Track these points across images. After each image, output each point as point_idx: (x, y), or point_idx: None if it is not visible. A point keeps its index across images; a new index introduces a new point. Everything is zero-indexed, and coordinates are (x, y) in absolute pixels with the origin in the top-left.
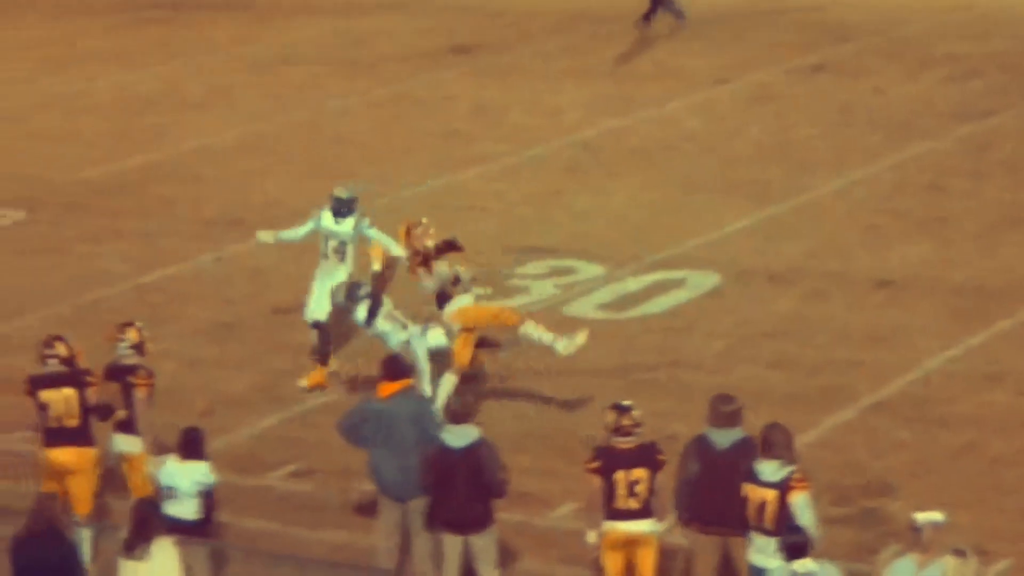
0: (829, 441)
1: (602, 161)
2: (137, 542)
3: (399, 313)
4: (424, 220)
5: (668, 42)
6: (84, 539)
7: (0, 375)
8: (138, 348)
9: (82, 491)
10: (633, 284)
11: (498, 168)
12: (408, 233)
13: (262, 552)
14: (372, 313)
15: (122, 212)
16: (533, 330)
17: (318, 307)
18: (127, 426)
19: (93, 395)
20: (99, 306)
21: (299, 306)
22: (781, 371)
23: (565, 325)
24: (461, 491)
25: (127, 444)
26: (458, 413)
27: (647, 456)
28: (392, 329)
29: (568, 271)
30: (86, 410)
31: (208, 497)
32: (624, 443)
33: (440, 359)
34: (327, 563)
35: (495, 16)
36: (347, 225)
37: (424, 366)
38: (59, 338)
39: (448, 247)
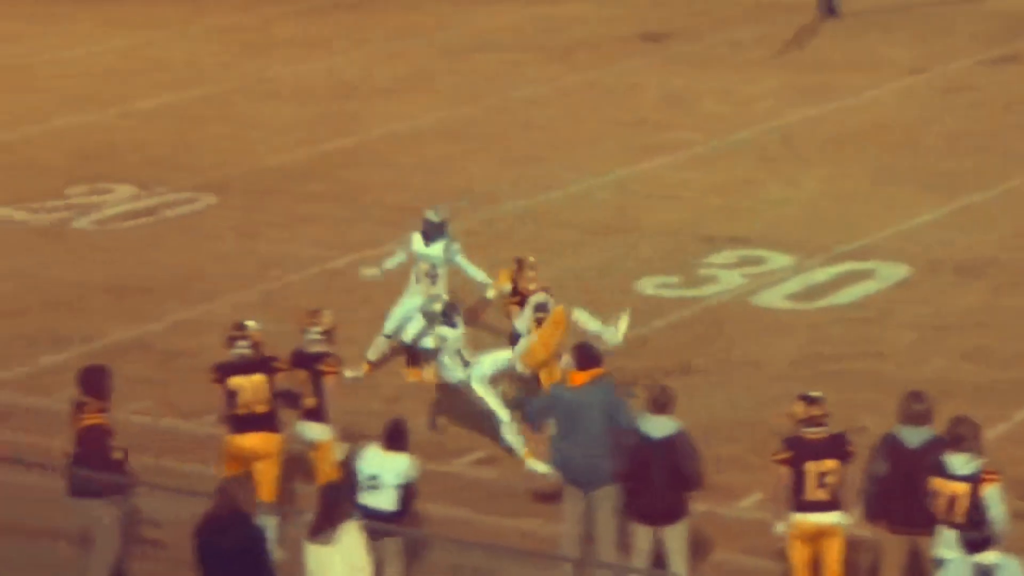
0: (1019, 436)
1: (794, 150)
2: (324, 526)
3: (467, 351)
4: (532, 259)
5: (862, 31)
6: (269, 525)
7: (189, 360)
8: (328, 335)
9: (267, 477)
10: (822, 275)
11: (688, 157)
12: (519, 269)
13: (452, 539)
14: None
15: (313, 197)
16: (585, 319)
17: (393, 322)
18: (315, 414)
19: (282, 381)
20: (288, 291)
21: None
22: (973, 363)
23: (754, 316)
24: (657, 482)
25: (315, 432)
26: (659, 403)
27: (837, 447)
28: (452, 365)
29: (757, 261)
30: (274, 396)
31: (408, 489)
32: (814, 433)
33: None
34: (516, 551)
35: (687, 4)
36: (437, 248)
37: (494, 407)
38: (246, 325)
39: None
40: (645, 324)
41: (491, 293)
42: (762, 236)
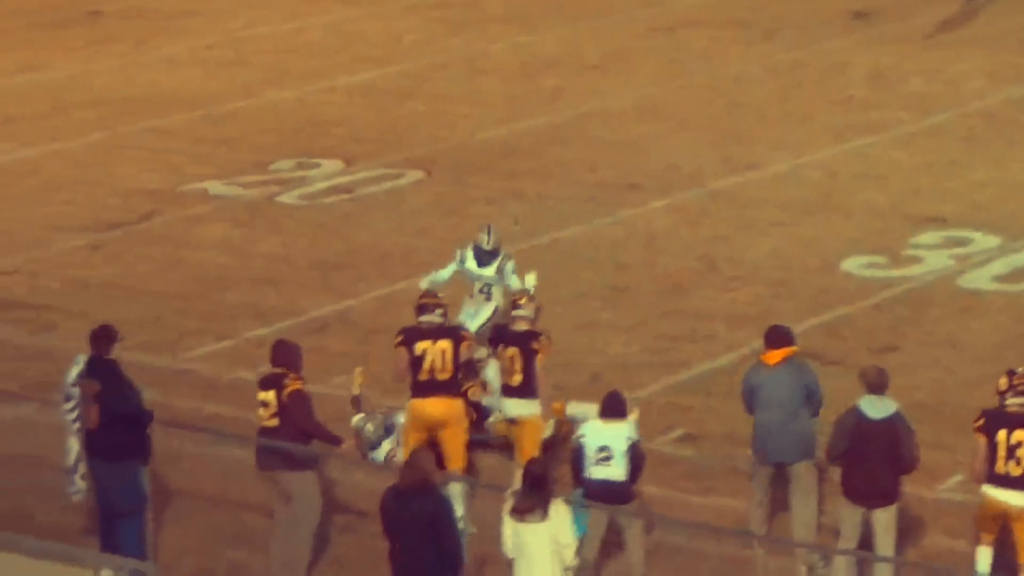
0: None
1: (1002, 131)
2: (533, 505)
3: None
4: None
5: None
6: (457, 495)
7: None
8: (537, 314)
9: (453, 445)
10: None
11: (895, 136)
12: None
13: (653, 516)
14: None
15: (518, 174)
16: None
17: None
18: (521, 390)
19: (466, 351)
20: None
21: (693, 272)
22: None
23: (961, 297)
24: (875, 463)
25: (521, 408)
26: (876, 383)
27: None
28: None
29: (963, 242)
30: (457, 365)
31: (635, 450)
32: (1014, 406)
33: None
34: (712, 528)
35: None
36: (491, 270)
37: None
38: (435, 292)
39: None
40: (851, 304)
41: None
42: (968, 217)
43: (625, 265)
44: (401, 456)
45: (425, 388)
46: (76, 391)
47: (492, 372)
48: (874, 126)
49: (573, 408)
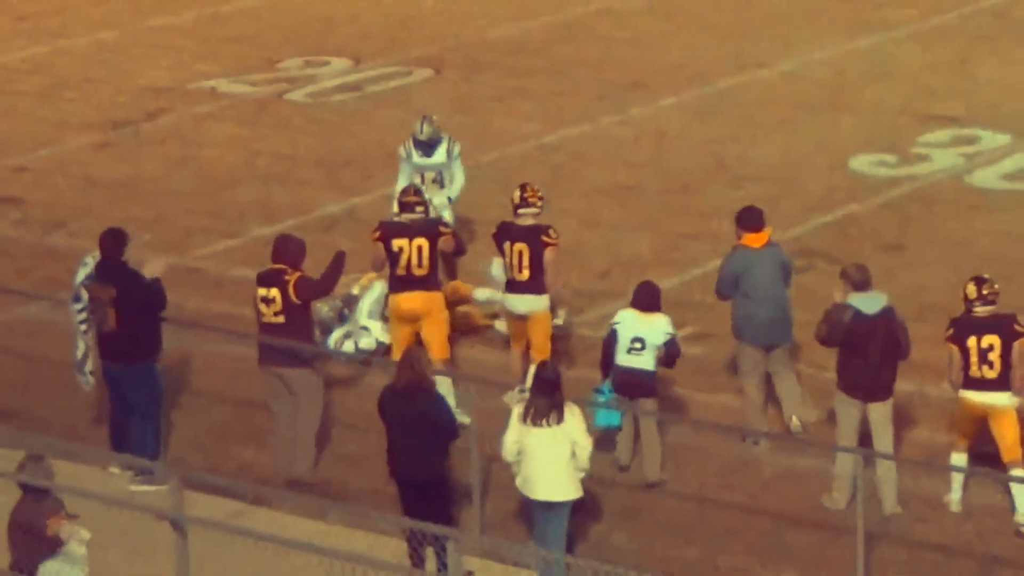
0: None
1: (1012, 28)
2: (549, 409)
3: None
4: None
5: None
6: (446, 386)
7: None
8: (542, 209)
9: (435, 337)
10: None
11: (904, 34)
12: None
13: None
14: None
15: (528, 72)
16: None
17: None
18: (529, 286)
19: (445, 245)
20: (500, 165)
21: (701, 170)
22: None
23: (969, 195)
24: (873, 357)
25: (529, 304)
26: (860, 281)
27: (1003, 326)
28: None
29: (972, 140)
30: (434, 261)
31: (672, 345)
32: (981, 312)
33: None
34: (719, 425)
35: None
36: (439, 156)
37: None
38: (419, 189)
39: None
40: (860, 202)
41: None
42: (978, 115)
43: (633, 164)
44: (349, 346)
45: (403, 283)
46: (84, 293)
47: (496, 269)
48: (883, 24)
49: (481, 293)
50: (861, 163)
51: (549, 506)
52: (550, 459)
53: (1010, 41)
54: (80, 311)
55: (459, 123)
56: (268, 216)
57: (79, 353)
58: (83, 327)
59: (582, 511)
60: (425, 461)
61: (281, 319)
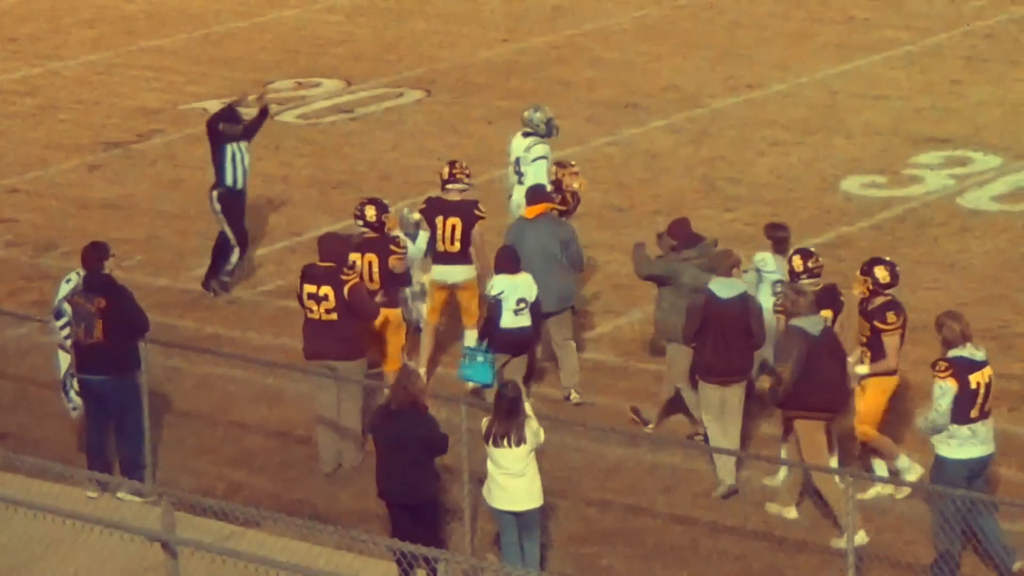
0: None
1: (1003, 50)
2: (508, 431)
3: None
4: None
5: None
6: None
7: None
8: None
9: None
10: None
11: (896, 56)
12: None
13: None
14: None
15: (519, 93)
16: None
17: None
18: (458, 257)
19: (396, 264)
20: (491, 186)
21: (692, 192)
22: None
23: (961, 216)
24: (728, 341)
25: (460, 274)
26: (726, 266)
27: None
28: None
29: (964, 161)
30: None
31: (538, 303)
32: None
33: None
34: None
35: None
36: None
37: None
38: (373, 201)
39: None
40: (851, 224)
41: None
42: (969, 137)
43: (625, 185)
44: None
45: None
46: (67, 308)
47: (422, 242)
48: (875, 45)
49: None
50: (853, 184)
51: (516, 516)
52: (512, 474)
53: (1001, 63)
54: (63, 327)
55: (451, 144)
56: (260, 237)
57: (62, 371)
58: (68, 342)
59: (573, 533)
60: (416, 483)
61: (334, 316)
